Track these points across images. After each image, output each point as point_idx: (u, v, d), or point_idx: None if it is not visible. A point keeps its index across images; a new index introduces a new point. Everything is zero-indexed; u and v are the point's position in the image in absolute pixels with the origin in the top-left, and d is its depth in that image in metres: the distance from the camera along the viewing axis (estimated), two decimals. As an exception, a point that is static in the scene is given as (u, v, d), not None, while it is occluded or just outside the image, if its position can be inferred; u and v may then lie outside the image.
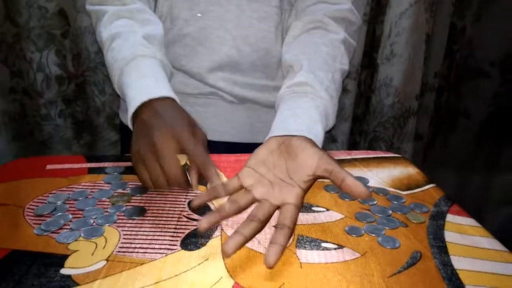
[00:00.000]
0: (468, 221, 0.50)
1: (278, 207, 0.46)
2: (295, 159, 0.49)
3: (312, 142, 0.50)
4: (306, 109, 0.56)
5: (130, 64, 0.59)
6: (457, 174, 1.33)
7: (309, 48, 0.65)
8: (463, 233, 0.47)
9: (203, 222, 0.42)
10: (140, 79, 0.57)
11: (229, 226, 0.47)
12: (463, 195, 1.34)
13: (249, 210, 0.46)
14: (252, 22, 0.69)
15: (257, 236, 0.45)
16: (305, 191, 0.47)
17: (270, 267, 0.39)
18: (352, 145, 1.29)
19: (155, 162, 0.48)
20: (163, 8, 0.70)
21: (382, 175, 0.60)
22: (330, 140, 1.23)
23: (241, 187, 0.48)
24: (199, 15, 0.68)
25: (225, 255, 0.40)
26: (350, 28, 0.69)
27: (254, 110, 0.75)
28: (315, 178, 0.48)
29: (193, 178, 0.51)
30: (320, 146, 0.52)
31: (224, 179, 0.58)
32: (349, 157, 0.66)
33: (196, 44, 0.69)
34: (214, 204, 0.51)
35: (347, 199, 0.53)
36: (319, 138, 0.53)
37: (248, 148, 0.74)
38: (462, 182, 1.34)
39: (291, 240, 0.44)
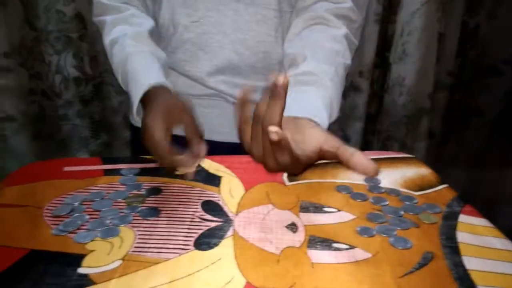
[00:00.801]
0: (480, 221, 0.49)
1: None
2: (302, 133, 0.47)
3: (317, 124, 0.49)
4: (311, 96, 0.56)
5: (125, 64, 0.64)
6: (470, 172, 1.32)
7: (311, 42, 0.65)
8: (476, 234, 0.47)
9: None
10: (133, 75, 0.62)
11: (241, 226, 0.47)
12: (476, 193, 1.32)
13: (266, 217, 0.45)
14: (250, 26, 0.70)
15: (269, 236, 0.45)
16: (309, 160, 0.44)
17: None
18: (365, 145, 1.29)
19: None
20: (165, 16, 0.71)
21: (395, 176, 0.60)
22: (343, 139, 1.23)
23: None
24: (192, 22, 0.70)
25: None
26: (351, 25, 0.69)
27: None
28: (320, 155, 0.45)
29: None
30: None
31: (236, 180, 0.58)
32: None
33: (197, 49, 0.71)
34: (225, 203, 0.52)
35: (358, 200, 0.53)
36: (323, 124, 0.52)
37: None
38: (475, 179, 1.33)
39: (302, 239, 0.45)
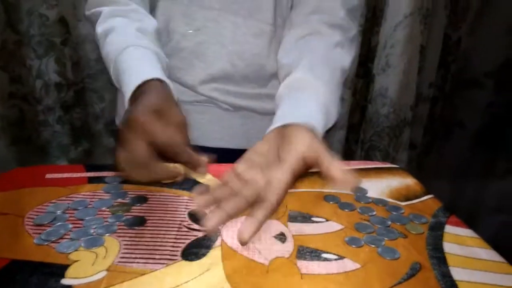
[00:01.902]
0: (466, 232, 0.50)
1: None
2: (288, 143, 0.48)
3: (308, 129, 0.50)
4: (304, 101, 0.57)
5: (123, 53, 0.60)
6: (452, 183, 1.34)
7: (306, 50, 0.66)
8: (462, 244, 0.47)
9: (209, 221, 0.42)
10: (134, 64, 0.58)
11: (229, 236, 0.47)
12: (458, 203, 1.35)
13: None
14: (247, 39, 0.70)
15: (257, 246, 0.45)
16: (295, 170, 0.46)
17: (243, 244, 0.39)
18: (348, 154, 1.30)
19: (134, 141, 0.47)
20: (160, 23, 0.71)
21: (381, 186, 0.60)
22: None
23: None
24: (190, 31, 0.70)
25: (207, 231, 0.41)
26: (346, 34, 0.70)
27: (249, 117, 0.75)
28: (306, 162, 0.47)
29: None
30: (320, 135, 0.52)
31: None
32: (348, 167, 0.66)
33: (193, 58, 0.71)
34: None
35: (346, 210, 0.53)
36: (317, 127, 0.52)
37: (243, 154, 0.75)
38: (457, 190, 1.35)
39: (291, 250, 0.44)
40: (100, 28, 0.66)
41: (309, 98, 0.57)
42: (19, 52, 1.00)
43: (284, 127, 0.51)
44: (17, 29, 0.98)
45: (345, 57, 0.67)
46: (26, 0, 0.97)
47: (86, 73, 1.08)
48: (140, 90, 0.53)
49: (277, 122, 0.53)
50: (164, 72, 0.61)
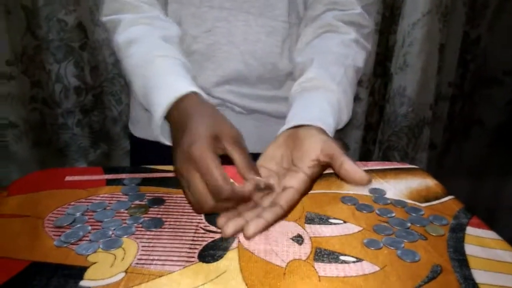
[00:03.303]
0: (488, 234, 0.49)
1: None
2: (301, 147, 0.48)
3: (320, 130, 0.49)
4: (316, 101, 0.56)
5: (150, 67, 0.57)
6: (471, 181, 1.33)
7: (320, 49, 0.65)
8: (484, 246, 0.46)
9: (221, 220, 0.42)
10: (164, 78, 0.54)
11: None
12: (477, 202, 1.32)
13: (271, 228, 0.45)
14: (260, 37, 0.69)
15: (275, 249, 0.44)
16: (310, 177, 0.46)
17: (247, 238, 0.40)
18: (365, 154, 1.29)
19: (198, 180, 0.43)
20: None
21: (400, 187, 0.59)
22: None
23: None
24: (206, 32, 0.68)
25: (223, 234, 0.41)
26: (362, 31, 0.69)
27: (263, 121, 0.75)
28: (321, 165, 0.46)
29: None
30: (330, 135, 0.51)
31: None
32: (365, 168, 0.66)
33: (204, 60, 0.70)
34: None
35: (364, 211, 0.53)
36: (329, 128, 0.51)
37: (258, 158, 0.75)
38: (476, 188, 1.33)
39: (308, 252, 0.44)
40: (121, 38, 0.62)
41: (320, 98, 0.56)
42: (39, 57, 1.02)
43: (295, 128, 0.51)
44: (36, 35, 1.00)
45: (360, 55, 0.66)
46: (45, 6, 0.98)
47: (104, 77, 1.10)
48: (178, 107, 0.49)
49: (288, 122, 0.53)
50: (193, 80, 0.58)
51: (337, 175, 0.45)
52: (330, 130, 0.52)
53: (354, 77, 0.63)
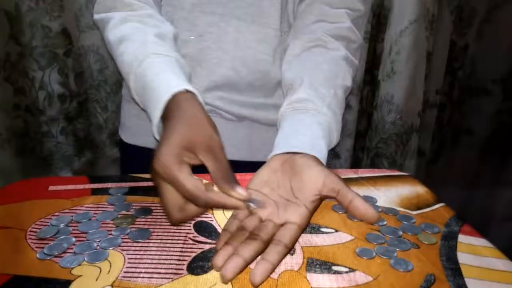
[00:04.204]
0: (480, 242, 0.48)
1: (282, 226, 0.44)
2: (300, 177, 0.47)
3: (316, 160, 0.49)
4: (308, 125, 0.55)
5: (143, 64, 0.56)
6: (461, 191, 1.32)
7: (310, 65, 0.64)
8: (476, 254, 0.46)
9: (218, 260, 0.40)
10: (157, 76, 0.54)
11: (237, 249, 0.45)
12: (467, 211, 1.33)
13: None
14: (251, 44, 0.69)
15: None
16: (312, 212, 0.46)
17: (256, 286, 0.38)
18: (355, 162, 1.29)
19: (163, 191, 0.44)
20: None
21: (391, 194, 0.59)
22: (333, 156, 1.23)
23: (249, 212, 0.47)
24: (192, 37, 0.68)
25: (224, 280, 0.39)
26: (351, 46, 0.68)
27: (253, 128, 0.74)
28: (322, 198, 0.47)
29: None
30: (324, 163, 0.51)
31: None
32: (355, 175, 0.65)
33: (195, 65, 0.69)
34: (218, 224, 0.50)
35: (356, 220, 0.52)
36: (323, 155, 0.52)
37: (248, 166, 0.73)
38: (466, 198, 1.33)
39: (300, 262, 0.43)
40: (111, 35, 0.62)
41: (312, 121, 0.55)
42: (22, 64, 1.00)
43: (290, 155, 0.50)
44: (20, 41, 0.98)
45: (348, 74, 0.65)
46: (28, 12, 0.96)
47: (89, 84, 1.08)
48: (169, 108, 0.49)
49: (282, 146, 0.52)
50: (189, 79, 0.59)
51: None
52: (324, 158, 0.51)
53: (343, 98, 0.63)
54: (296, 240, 0.43)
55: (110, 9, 0.65)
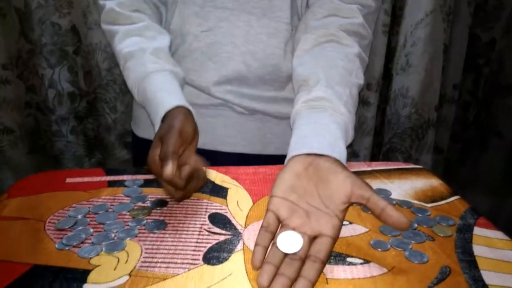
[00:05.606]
0: (496, 234, 0.48)
1: (315, 237, 0.43)
2: (327, 184, 0.46)
3: (340, 164, 0.48)
4: (326, 125, 0.54)
5: (143, 83, 0.63)
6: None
7: (325, 62, 0.63)
8: (492, 247, 0.45)
9: (263, 281, 0.39)
10: (155, 95, 0.61)
11: (251, 240, 0.46)
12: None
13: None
14: (261, 38, 0.69)
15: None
16: (342, 221, 0.44)
17: None
18: (372, 158, 1.27)
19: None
20: (176, 25, 0.70)
21: (405, 187, 0.59)
22: (352, 155, 1.20)
23: (279, 221, 0.45)
24: (202, 32, 0.69)
25: None
26: (362, 42, 0.67)
27: (264, 121, 0.74)
28: (350, 205, 0.46)
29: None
30: (345, 163, 0.50)
31: (243, 191, 0.57)
32: (369, 168, 0.65)
33: (205, 59, 0.69)
34: (232, 216, 0.51)
35: (370, 212, 0.52)
36: (343, 156, 0.50)
37: (259, 159, 0.73)
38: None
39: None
40: (118, 48, 0.69)
41: (330, 121, 0.54)
42: (32, 62, 1.01)
43: (312, 158, 0.48)
44: (30, 38, 0.98)
45: (361, 71, 0.65)
46: (38, 8, 0.97)
47: (98, 83, 1.08)
48: (164, 119, 0.58)
49: (299, 147, 0.50)
50: (182, 86, 0.67)
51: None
52: (344, 159, 0.50)
53: (356, 96, 0.62)
54: (330, 253, 0.42)
55: (114, 21, 0.71)
